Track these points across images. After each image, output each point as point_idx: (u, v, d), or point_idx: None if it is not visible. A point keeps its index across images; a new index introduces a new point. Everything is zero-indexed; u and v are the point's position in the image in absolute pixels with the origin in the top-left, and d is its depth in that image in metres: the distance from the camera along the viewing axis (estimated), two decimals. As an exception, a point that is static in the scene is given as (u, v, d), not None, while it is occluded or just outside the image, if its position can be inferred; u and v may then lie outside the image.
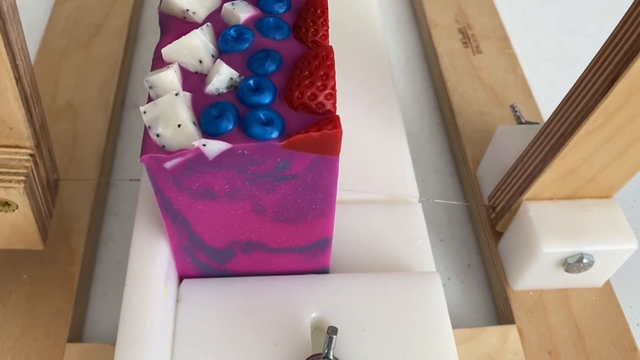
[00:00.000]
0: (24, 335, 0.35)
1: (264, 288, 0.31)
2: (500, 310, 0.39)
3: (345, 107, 0.40)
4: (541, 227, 0.35)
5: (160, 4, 0.28)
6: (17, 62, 0.28)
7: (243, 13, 0.28)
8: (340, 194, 0.36)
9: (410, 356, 0.30)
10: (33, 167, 0.31)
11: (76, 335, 0.36)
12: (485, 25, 0.54)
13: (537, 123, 0.42)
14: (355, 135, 0.39)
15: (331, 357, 0.28)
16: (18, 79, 0.28)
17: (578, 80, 0.32)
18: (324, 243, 0.30)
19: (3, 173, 0.30)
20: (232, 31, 0.27)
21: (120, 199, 0.44)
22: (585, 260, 0.35)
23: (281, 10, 0.28)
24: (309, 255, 0.31)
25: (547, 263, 0.36)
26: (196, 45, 0.26)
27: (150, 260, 0.29)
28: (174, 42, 0.26)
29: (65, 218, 0.40)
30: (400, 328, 0.30)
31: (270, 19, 0.27)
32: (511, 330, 0.36)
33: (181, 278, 0.32)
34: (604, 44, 0.31)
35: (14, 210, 0.30)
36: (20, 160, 0.30)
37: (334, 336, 0.28)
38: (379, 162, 0.38)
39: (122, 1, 0.54)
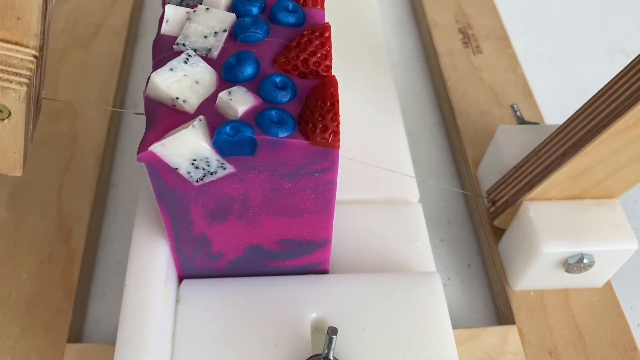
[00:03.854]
0: (23, 335, 0.35)
1: (264, 288, 0.31)
2: (500, 311, 0.39)
3: (346, 107, 0.40)
4: (542, 227, 0.35)
5: (145, 87, 0.25)
6: None
7: (241, 105, 0.24)
8: (340, 194, 0.36)
9: (410, 357, 0.30)
10: (35, 71, 0.25)
11: (76, 335, 0.36)
12: (485, 25, 0.54)
13: (538, 123, 0.42)
14: (355, 135, 0.39)
15: (331, 358, 0.28)
16: None
17: (617, 76, 0.31)
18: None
19: (2, 71, 0.24)
20: (227, 129, 0.24)
21: (120, 199, 0.44)
22: (585, 261, 0.35)
23: (285, 100, 0.25)
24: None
25: (548, 263, 0.36)
26: (188, 145, 0.24)
27: (150, 260, 0.29)
28: (165, 140, 0.24)
29: (65, 218, 0.40)
30: (400, 328, 0.30)
31: (272, 112, 0.25)
32: (511, 331, 0.36)
33: (181, 279, 0.32)
34: None
35: (2, 120, 0.24)
36: (22, 60, 0.24)
37: (334, 336, 0.28)
38: (379, 162, 0.38)
39: (122, 1, 0.54)
